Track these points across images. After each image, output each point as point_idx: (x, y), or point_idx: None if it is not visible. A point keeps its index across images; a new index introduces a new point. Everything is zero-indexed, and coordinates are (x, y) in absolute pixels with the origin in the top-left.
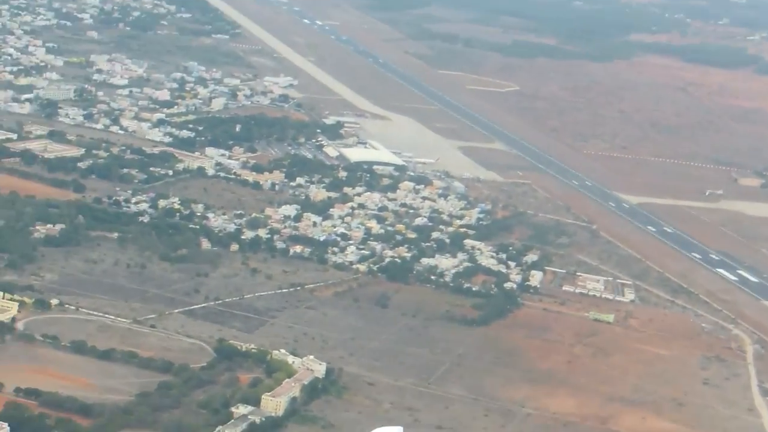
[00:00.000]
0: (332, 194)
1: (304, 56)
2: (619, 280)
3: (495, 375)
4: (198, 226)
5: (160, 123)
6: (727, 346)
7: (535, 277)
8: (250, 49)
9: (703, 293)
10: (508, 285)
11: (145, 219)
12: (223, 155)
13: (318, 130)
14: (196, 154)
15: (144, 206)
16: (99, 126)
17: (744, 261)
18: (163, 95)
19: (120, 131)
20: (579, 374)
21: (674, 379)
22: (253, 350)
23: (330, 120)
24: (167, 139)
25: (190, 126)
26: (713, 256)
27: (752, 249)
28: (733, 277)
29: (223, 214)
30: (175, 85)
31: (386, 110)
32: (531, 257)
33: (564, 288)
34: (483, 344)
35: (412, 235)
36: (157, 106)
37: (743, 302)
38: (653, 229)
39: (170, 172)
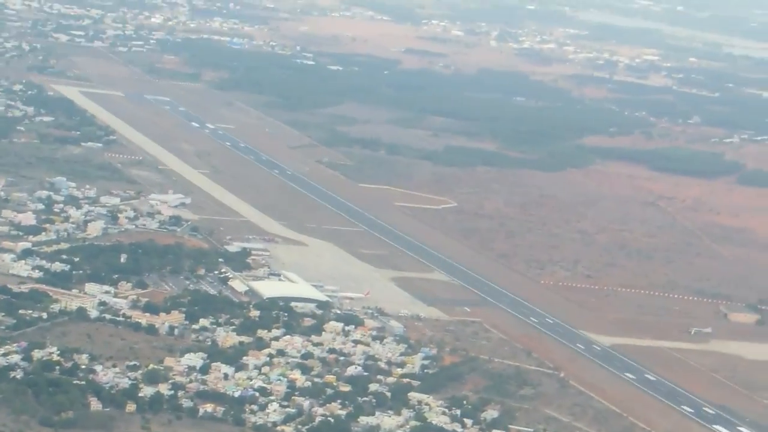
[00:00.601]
0: (244, 338)
1: (195, 168)
2: None
3: None
4: (84, 382)
5: (26, 254)
6: None
7: None
8: (129, 161)
9: None
10: None
11: (18, 374)
12: (107, 293)
13: (220, 260)
14: (74, 291)
15: (15, 358)
16: None
17: (744, 416)
18: (27, 219)
19: None
20: None
21: None
22: None
23: (234, 247)
24: (36, 274)
25: (64, 257)
26: (708, 410)
27: (752, 400)
28: None
29: (114, 366)
30: (40, 206)
31: (300, 234)
32: (490, 413)
33: None
34: None
35: (345, 388)
36: (21, 233)
37: None
38: (632, 377)
39: (44, 315)
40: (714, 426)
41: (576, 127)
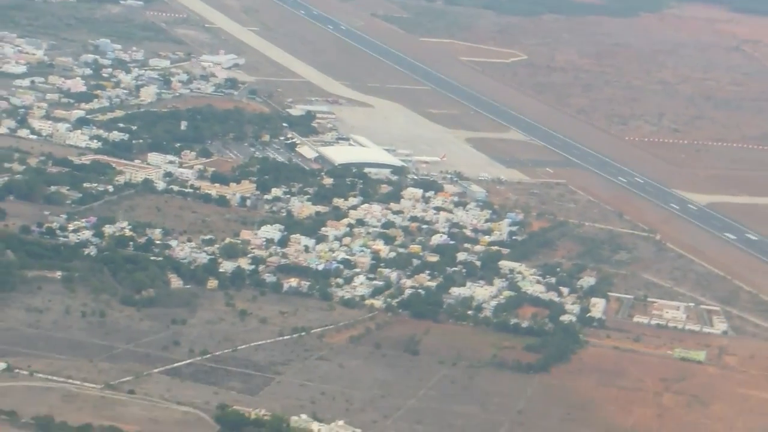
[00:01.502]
0: (320, 208)
1: (243, 25)
2: (703, 306)
3: None
4: (161, 259)
5: (81, 123)
6: None
7: (597, 307)
8: (174, 19)
9: None
10: (565, 318)
11: (92, 251)
12: (171, 162)
13: (284, 125)
14: (137, 162)
15: (87, 234)
16: (2, 130)
17: None
18: (76, 86)
19: (32, 136)
20: None
21: None
22: (264, 417)
23: (297, 110)
24: (95, 144)
25: (121, 126)
26: None
27: None
28: None
29: (189, 240)
30: (88, 71)
31: (365, 94)
32: (587, 281)
33: (635, 319)
34: (546, 397)
35: (433, 258)
36: (72, 101)
37: None
38: (733, 237)
39: (110, 188)
40: None
41: None
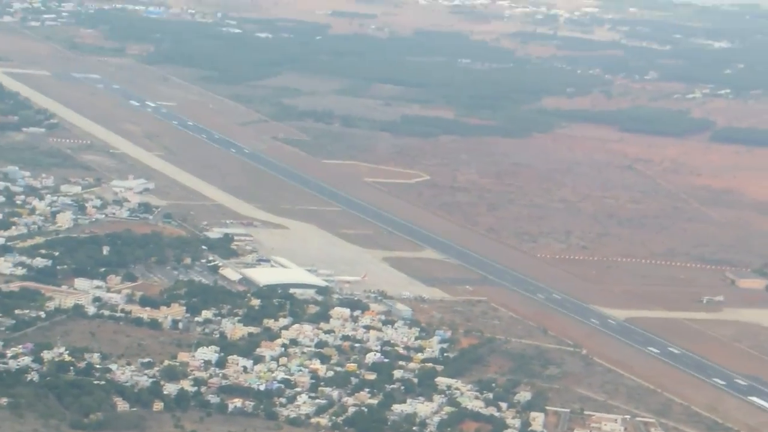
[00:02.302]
0: (252, 329)
1: (148, 150)
2: (638, 419)
3: None
4: (104, 383)
5: (3, 250)
6: None
7: (537, 421)
8: (78, 145)
9: (744, 429)
10: None
11: (34, 377)
12: (98, 287)
13: (204, 247)
14: (64, 287)
15: (26, 360)
16: None
17: None
18: None
19: None
20: None
21: None
22: None
23: (214, 233)
24: (20, 271)
25: (43, 252)
26: (740, 382)
27: None
28: None
29: (128, 364)
30: (1, 199)
31: (278, 216)
32: (523, 395)
33: None
34: None
35: (371, 376)
36: None
37: None
38: (656, 351)
39: (42, 314)
40: (750, 397)
41: (531, 89)
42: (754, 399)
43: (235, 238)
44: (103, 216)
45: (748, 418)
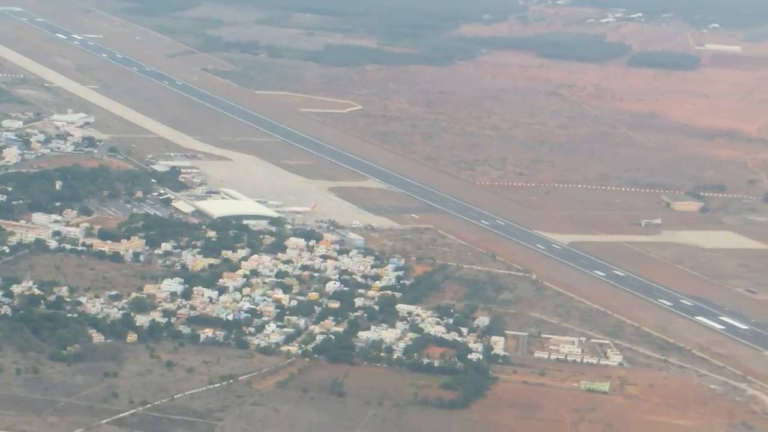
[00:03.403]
0: (212, 260)
1: (82, 83)
2: (594, 340)
3: None
4: (76, 315)
5: None
6: (751, 410)
7: (499, 345)
8: (11, 79)
9: (695, 348)
10: (472, 357)
11: (7, 312)
12: (56, 222)
13: (153, 180)
14: (22, 222)
15: None
16: None
17: (722, 305)
18: None
19: None
20: None
21: None
22: None
23: (161, 166)
24: None
25: None
26: (685, 302)
27: (723, 289)
28: (719, 326)
29: (96, 297)
30: None
31: (219, 148)
32: (482, 320)
33: (536, 354)
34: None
35: (334, 305)
36: None
37: (744, 356)
38: (602, 274)
39: (6, 249)
40: (697, 318)
41: (448, 16)
42: (701, 319)
43: (182, 170)
44: (49, 150)
45: (698, 337)
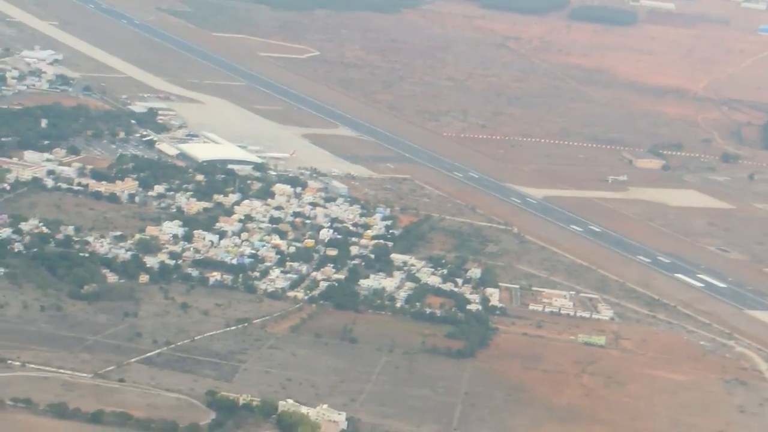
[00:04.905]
0: (205, 204)
1: (42, 19)
2: (583, 295)
3: (516, 415)
4: (88, 255)
5: None
6: (741, 366)
7: (494, 296)
8: None
9: (680, 305)
10: (471, 307)
11: (20, 248)
12: (49, 161)
13: (133, 121)
14: (15, 159)
15: (7, 232)
16: None
17: (698, 263)
18: None
19: None
20: (604, 409)
21: (707, 408)
22: (253, 402)
23: (138, 107)
24: None
25: None
26: (662, 259)
27: (696, 247)
28: (698, 284)
29: (102, 237)
30: None
31: (189, 90)
32: (474, 272)
33: (531, 307)
34: (483, 380)
35: (332, 252)
36: None
37: (726, 313)
38: (579, 229)
39: (6, 186)
40: (676, 275)
41: None
42: (680, 276)
43: (159, 112)
44: (25, 87)
45: (680, 293)
